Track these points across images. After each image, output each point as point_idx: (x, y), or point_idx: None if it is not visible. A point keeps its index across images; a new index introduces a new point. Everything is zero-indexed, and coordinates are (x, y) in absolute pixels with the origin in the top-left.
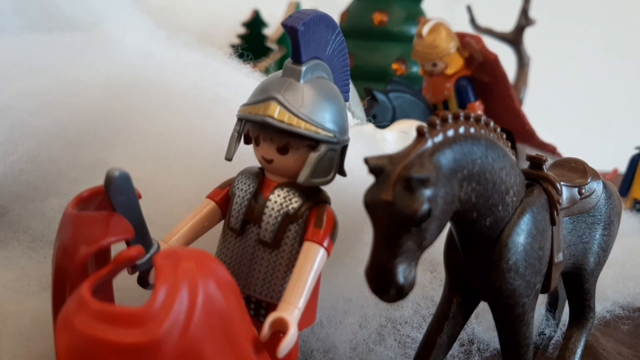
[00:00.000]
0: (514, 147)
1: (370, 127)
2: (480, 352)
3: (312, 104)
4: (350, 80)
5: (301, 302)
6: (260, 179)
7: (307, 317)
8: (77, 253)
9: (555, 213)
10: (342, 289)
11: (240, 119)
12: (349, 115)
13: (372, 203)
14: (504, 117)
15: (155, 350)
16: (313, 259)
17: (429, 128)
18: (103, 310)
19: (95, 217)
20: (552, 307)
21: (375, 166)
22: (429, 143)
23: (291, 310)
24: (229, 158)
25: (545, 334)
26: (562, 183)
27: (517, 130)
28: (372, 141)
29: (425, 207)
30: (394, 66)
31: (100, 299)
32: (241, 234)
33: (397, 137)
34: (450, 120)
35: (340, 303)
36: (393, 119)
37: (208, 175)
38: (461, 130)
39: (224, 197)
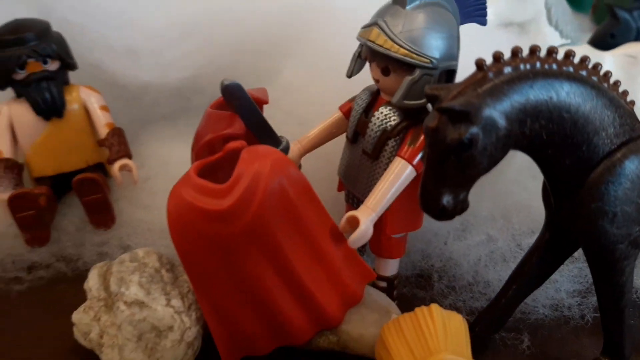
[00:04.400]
0: None
1: (584, 48)
2: None
3: (412, 29)
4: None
5: (379, 208)
6: (374, 96)
7: (411, 221)
8: (202, 139)
9: None
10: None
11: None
12: (557, 34)
13: (425, 129)
14: None
15: (229, 217)
16: (398, 174)
17: (492, 62)
18: (199, 184)
19: (221, 115)
20: None
21: (431, 95)
22: (487, 76)
23: (367, 212)
24: (348, 75)
25: None
26: None
27: None
28: None
29: (465, 137)
30: None
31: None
32: (353, 143)
33: (621, 61)
34: (522, 55)
35: (470, 217)
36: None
37: (354, 90)
38: (532, 66)
39: (349, 109)
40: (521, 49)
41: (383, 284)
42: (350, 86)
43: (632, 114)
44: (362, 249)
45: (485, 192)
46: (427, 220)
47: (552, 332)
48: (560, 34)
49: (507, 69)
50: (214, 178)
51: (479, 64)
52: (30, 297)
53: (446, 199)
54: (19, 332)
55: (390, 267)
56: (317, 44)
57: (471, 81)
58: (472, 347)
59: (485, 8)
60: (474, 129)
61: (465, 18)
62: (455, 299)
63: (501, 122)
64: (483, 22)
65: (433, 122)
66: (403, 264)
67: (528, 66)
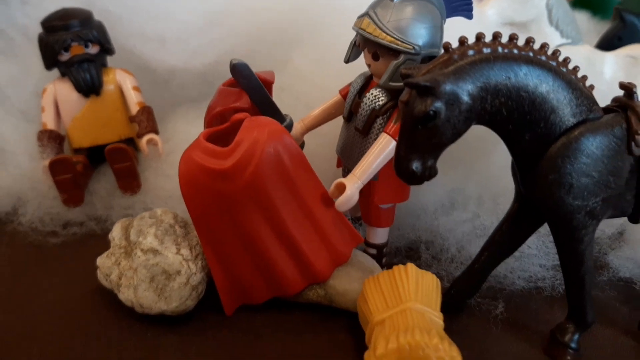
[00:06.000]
0: None
1: (585, 48)
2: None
3: (398, 19)
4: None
5: (364, 177)
6: (368, 80)
7: (397, 193)
8: (213, 110)
9: (632, 143)
10: (461, 185)
11: None
12: (557, 33)
13: (399, 102)
14: None
15: (229, 176)
16: (382, 148)
17: (458, 45)
18: (206, 147)
19: (231, 91)
20: None
21: (405, 74)
22: (452, 57)
23: (353, 180)
24: (345, 61)
25: None
26: None
27: None
28: (584, 63)
29: (430, 109)
30: None
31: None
32: (348, 122)
33: (622, 62)
34: (485, 40)
35: (459, 196)
36: None
37: (355, 77)
38: (493, 50)
39: (347, 92)
40: (484, 35)
41: (373, 251)
42: (351, 73)
43: (590, 97)
44: (358, 220)
45: (475, 175)
46: (418, 197)
47: (526, 301)
48: (560, 33)
49: (470, 52)
50: (222, 145)
51: (446, 47)
52: (64, 249)
53: (415, 165)
54: (52, 277)
55: (379, 235)
56: (324, 35)
57: (438, 62)
58: (449, 310)
59: (471, 3)
60: (438, 103)
61: (452, 12)
62: (439, 268)
63: (463, 97)
64: (469, 17)
65: (405, 97)
66: (395, 237)
67: (489, 50)
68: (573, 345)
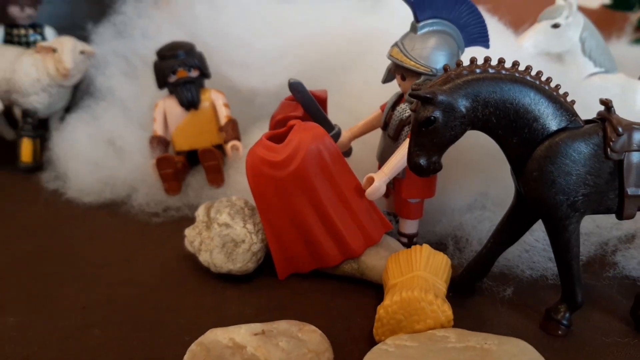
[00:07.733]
0: None
1: (619, 76)
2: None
3: (421, 48)
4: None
5: (390, 172)
6: (400, 97)
7: (422, 190)
8: (275, 118)
9: (608, 149)
10: (485, 189)
11: None
12: (590, 63)
13: (410, 110)
14: None
15: (282, 166)
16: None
17: (455, 67)
18: (267, 144)
19: (290, 104)
20: None
21: (415, 89)
22: (450, 76)
23: (381, 175)
24: (382, 82)
25: None
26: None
27: None
28: (617, 90)
29: (431, 115)
30: None
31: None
32: (384, 130)
33: None
34: (477, 63)
35: (483, 199)
36: None
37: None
38: (483, 70)
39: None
40: (476, 59)
41: (405, 240)
42: (391, 93)
43: (570, 109)
44: (395, 216)
45: (498, 182)
46: (448, 198)
47: (533, 288)
48: (594, 63)
49: (465, 72)
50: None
51: (445, 68)
52: (163, 226)
53: (422, 160)
54: (152, 246)
55: (409, 226)
56: (371, 62)
57: (439, 80)
58: (462, 290)
59: (486, 35)
60: (437, 111)
61: (471, 42)
62: (461, 258)
63: (458, 107)
64: (486, 46)
65: (413, 106)
66: (426, 232)
67: (480, 70)
68: (564, 322)
